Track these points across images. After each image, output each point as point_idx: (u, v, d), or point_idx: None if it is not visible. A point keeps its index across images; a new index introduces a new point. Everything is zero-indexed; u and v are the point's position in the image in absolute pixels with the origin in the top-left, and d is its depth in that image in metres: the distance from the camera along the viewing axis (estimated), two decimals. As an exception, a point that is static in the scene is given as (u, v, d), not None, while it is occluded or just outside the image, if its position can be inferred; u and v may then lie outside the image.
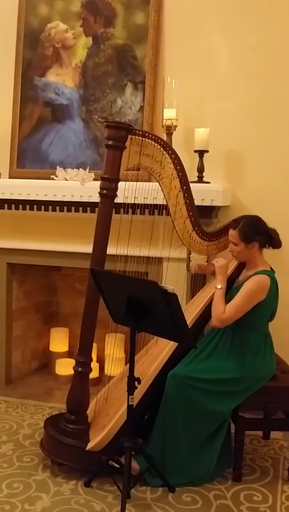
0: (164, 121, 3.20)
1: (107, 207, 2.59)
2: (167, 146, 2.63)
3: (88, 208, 3.32)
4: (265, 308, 2.60)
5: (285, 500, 2.46)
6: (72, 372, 3.81)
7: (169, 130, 3.18)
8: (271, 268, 2.69)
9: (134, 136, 2.57)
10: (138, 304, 2.27)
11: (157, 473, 2.52)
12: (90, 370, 2.71)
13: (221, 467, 2.67)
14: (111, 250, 2.65)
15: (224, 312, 2.56)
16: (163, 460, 2.57)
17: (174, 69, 3.36)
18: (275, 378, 2.67)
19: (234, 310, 2.55)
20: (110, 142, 2.54)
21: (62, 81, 3.61)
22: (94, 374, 3.29)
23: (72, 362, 3.85)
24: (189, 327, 2.48)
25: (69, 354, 4.03)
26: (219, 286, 2.66)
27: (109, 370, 3.66)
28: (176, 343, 2.64)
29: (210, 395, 2.53)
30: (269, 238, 2.62)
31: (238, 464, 2.63)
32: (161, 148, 2.61)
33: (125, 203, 2.75)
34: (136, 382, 2.38)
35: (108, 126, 2.55)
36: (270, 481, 2.64)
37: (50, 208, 3.41)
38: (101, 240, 2.60)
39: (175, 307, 2.13)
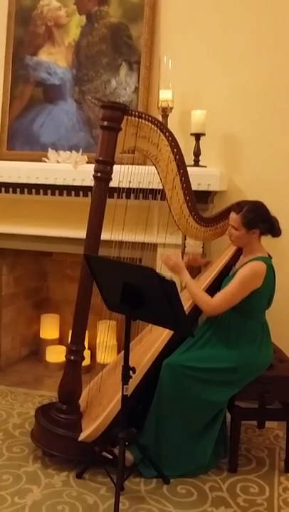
0: (160, 102, 3.10)
1: (101, 190, 2.50)
2: (164, 128, 2.53)
3: (81, 192, 3.23)
4: (261, 296, 2.54)
5: (282, 493, 2.42)
6: (63, 359, 3.75)
7: (165, 112, 3.08)
8: (269, 254, 2.62)
9: (130, 117, 2.48)
10: (134, 291, 2.19)
11: (151, 464, 2.46)
12: (83, 358, 2.64)
13: (216, 458, 2.62)
14: (104, 236, 2.56)
15: (210, 299, 2.51)
16: (157, 451, 2.51)
17: (170, 49, 3.24)
18: (272, 367, 2.62)
19: (225, 297, 2.50)
20: (105, 123, 2.44)
21: (55, 60, 3.49)
22: (85, 362, 3.19)
23: (63, 349, 3.83)
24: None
25: (60, 341, 3.97)
26: (184, 282, 2.60)
27: (101, 357, 3.60)
28: (172, 331, 2.57)
29: (206, 384, 2.47)
30: (271, 227, 2.55)
31: (233, 454, 2.58)
32: (158, 130, 2.52)
33: (119, 188, 2.65)
34: (131, 372, 2.31)
35: (103, 107, 2.45)
36: (266, 472, 2.59)
37: (41, 191, 3.31)
38: (95, 225, 2.51)
39: (173, 295, 2.05)
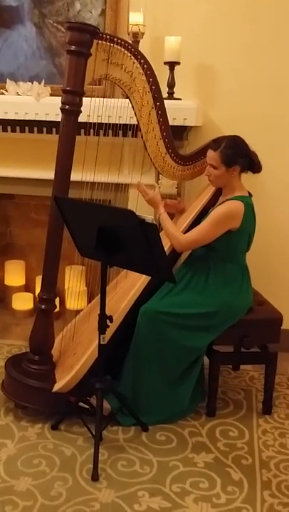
0: (130, 27, 2.82)
1: (70, 125, 2.26)
2: (139, 54, 2.30)
3: (44, 128, 2.98)
4: (240, 237, 2.43)
5: (261, 435, 2.40)
6: (30, 306, 3.62)
7: (136, 38, 2.81)
8: (249, 193, 2.49)
9: (100, 41, 2.22)
10: (110, 235, 2.03)
11: (129, 413, 2.39)
12: (55, 307, 2.50)
13: (194, 402, 2.57)
14: (73, 176, 2.36)
15: (181, 235, 2.43)
16: (135, 398, 2.43)
17: None
18: (252, 311, 2.55)
19: (197, 234, 2.40)
20: (73, 47, 2.18)
21: (10, -23, 3.12)
22: (54, 309, 3.10)
23: (29, 296, 3.67)
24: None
25: (26, 288, 3.79)
26: (158, 215, 2.50)
27: (70, 304, 3.47)
28: (149, 277, 2.44)
29: (185, 330, 2.38)
30: (251, 162, 2.40)
31: (212, 399, 2.54)
32: (132, 57, 2.28)
33: (87, 123, 2.43)
34: (108, 321, 2.18)
35: (70, 28, 2.18)
36: (244, 414, 2.57)
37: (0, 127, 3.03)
38: (64, 164, 2.29)
39: (155, 239, 1.90)
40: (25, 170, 3.13)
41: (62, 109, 2.26)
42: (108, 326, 2.20)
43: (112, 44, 2.24)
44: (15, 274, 3.78)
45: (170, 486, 2.06)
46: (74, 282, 3.40)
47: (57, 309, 3.47)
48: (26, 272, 3.80)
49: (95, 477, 2.07)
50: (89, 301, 3.18)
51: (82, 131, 2.50)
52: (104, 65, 2.26)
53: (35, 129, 3.00)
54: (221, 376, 2.88)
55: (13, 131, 3.04)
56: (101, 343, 2.20)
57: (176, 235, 2.46)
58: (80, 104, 2.26)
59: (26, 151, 3.08)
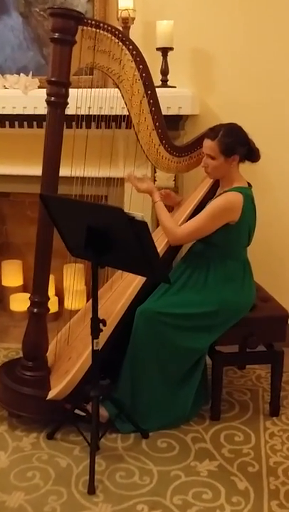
0: (120, 12, 2.69)
1: (56, 117, 2.14)
2: (127, 40, 2.16)
3: (34, 122, 2.86)
4: (240, 231, 2.30)
5: (268, 439, 2.28)
6: (29, 307, 3.50)
7: (126, 23, 2.68)
8: (249, 184, 2.35)
9: (85, 27, 2.09)
10: (100, 234, 1.90)
11: (127, 419, 2.28)
12: (47, 310, 2.38)
13: (197, 406, 2.45)
14: (64, 172, 2.24)
15: (176, 227, 2.32)
16: (134, 404, 2.32)
17: None
18: (255, 308, 2.42)
19: (193, 225, 2.28)
20: (56, 35, 2.05)
21: None
22: (53, 308, 3.02)
23: (27, 296, 3.52)
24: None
25: (24, 288, 3.69)
26: (154, 203, 2.41)
27: (69, 303, 3.35)
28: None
29: (185, 331, 2.26)
30: (250, 150, 2.26)
31: (216, 401, 2.42)
32: (120, 42, 2.15)
33: (78, 115, 2.30)
34: (101, 325, 2.06)
35: (53, 14, 2.05)
36: (250, 417, 2.44)
37: (-12, 123, 2.92)
38: (52, 159, 2.18)
39: (146, 237, 1.77)
40: (19, 167, 3.02)
41: (47, 101, 2.14)
42: (102, 331, 2.08)
43: (98, 30, 2.11)
44: (12, 275, 3.68)
45: (171, 498, 1.94)
46: (72, 281, 3.29)
47: (56, 309, 3.40)
48: (24, 272, 3.70)
49: (91, 490, 1.96)
50: (88, 300, 3.06)
51: (74, 124, 2.37)
52: (90, 52, 2.13)
53: (25, 123, 2.88)
54: (226, 376, 2.77)
55: (3, 126, 2.94)
56: (94, 348, 2.08)
57: (171, 226, 2.33)
58: (67, 95, 2.13)
59: (18, 147, 2.97)
